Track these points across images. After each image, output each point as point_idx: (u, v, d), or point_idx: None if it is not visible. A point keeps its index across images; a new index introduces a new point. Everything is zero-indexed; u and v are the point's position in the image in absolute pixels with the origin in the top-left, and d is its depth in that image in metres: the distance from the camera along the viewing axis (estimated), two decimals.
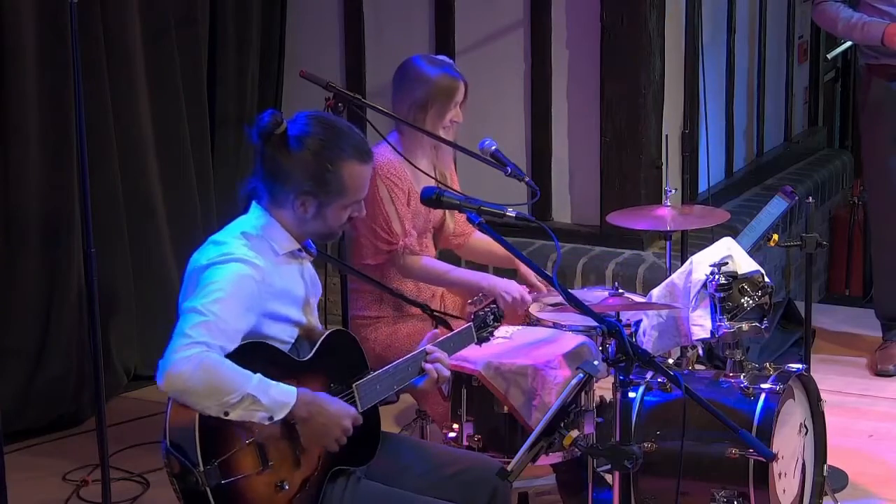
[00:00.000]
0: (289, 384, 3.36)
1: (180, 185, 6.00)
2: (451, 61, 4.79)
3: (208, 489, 3.23)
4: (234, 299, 3.33)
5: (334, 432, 3.39)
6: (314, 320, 3.64)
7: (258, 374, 3.28)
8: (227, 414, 3.23)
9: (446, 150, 4.82)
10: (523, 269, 4.84)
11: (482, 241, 4.93)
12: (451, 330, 3.86)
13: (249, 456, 3.30)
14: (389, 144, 4.62)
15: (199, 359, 3.21)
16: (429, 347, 3.70)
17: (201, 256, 3.44)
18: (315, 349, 3.51)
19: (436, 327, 3.88)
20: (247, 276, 3.38)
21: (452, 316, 3.97)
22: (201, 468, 3.22)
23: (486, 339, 3.93)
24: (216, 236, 3.50)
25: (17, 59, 5.27)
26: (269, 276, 3.44)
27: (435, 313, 3.91)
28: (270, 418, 3.29)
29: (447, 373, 3.70)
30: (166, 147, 5.92)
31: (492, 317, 3.92)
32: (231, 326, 3.31)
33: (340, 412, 3.41)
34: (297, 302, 3.56)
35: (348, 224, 3.60)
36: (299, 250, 3.58)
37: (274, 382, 3.31)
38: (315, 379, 3.46)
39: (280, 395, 3.31)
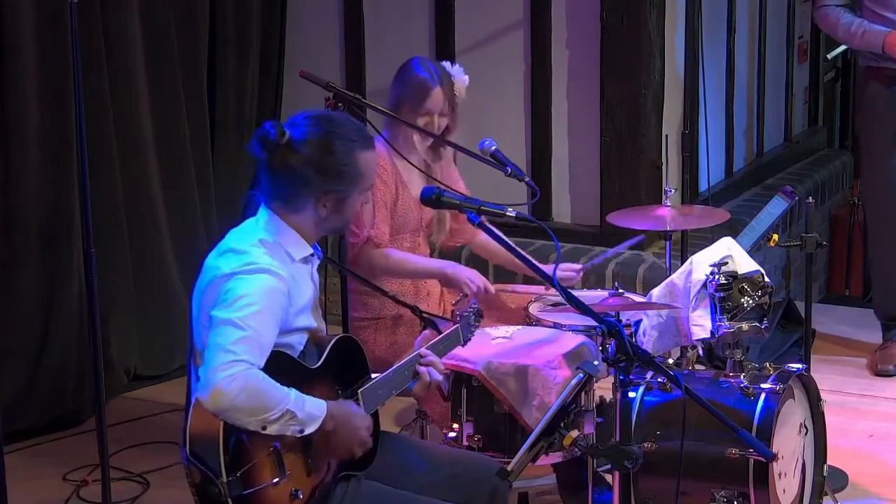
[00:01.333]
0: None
1: (180, 185, 6.00)
2: (444, 69, 4.75)
3: (230, 500, 3.23)
4: (267, 312, 3.33)
5: (353, 444, 3.41)
6: (321, 322, 3.64)
7: (294, 390, 3.29)
8: (265, 428, 3.25)
9: (447, 156, 4.83)
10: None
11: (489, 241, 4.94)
12: (440, 331, 3.87)
13: (269, 466, 3.30)
14: (385, 140, 4.62)
15: (245, 378, 3.21)
16: (422, 351, 3.70)
17: (222, 264, 3.41)
18: (324, 356, 3.51)
19: (424, 328, 3.87)
20: (276, 289, 3.38)
21: (440, 318, 3.96)
22: (224, 479, 3.22)
23: (468, 340, 3.94)
24: (233, 243, 3.46)
25: (17, 59, 5.27)
26: (292, 289, 3.44)
27: (423, 314, 3.90)
28: (301, 431, 3.31)
29: (439, 376, 3.70)
30: (166, 147, 5.92)
31: (474, 316, 3.95)
32: (266, 340, 3.32)
33: (361, 424, 3.43)
34: (310, 308, 3.57)
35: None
36: (311, 255, 3.57)
37: (307, 397, 3.32)
38: (324, 386, 3.47)
39: (313, 409, 3.32)
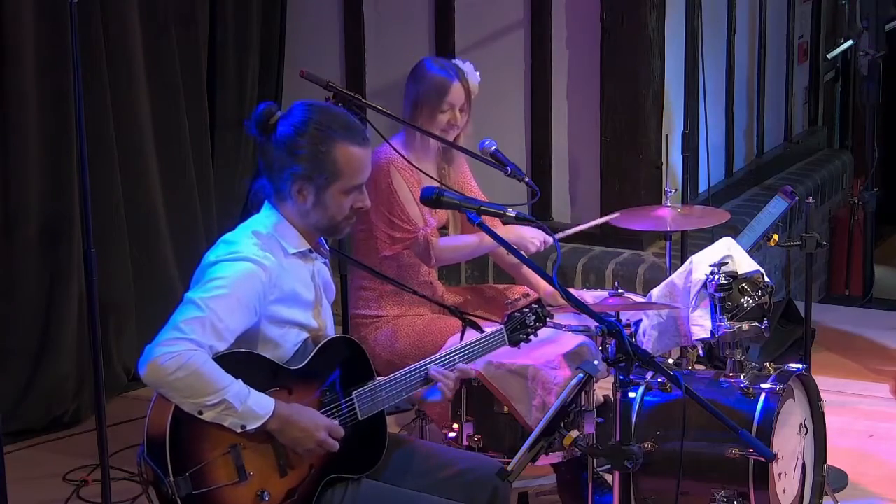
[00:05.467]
0: (279, 394, 3.36)
1: (180, 185, 6.00)
2: (458, 65, 4.77)
3: (178, 499, 3.23)
4: (234, 298, 3.33)
5: (308, 443, 3.37)
6: (325, 323, 3.62)
7: (239, 381, 3.28)
8: (200, 413, 3.24)
9: (459, 158, 4.83)
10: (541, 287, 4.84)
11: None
12: (482, 331, 3.76)
13: (224, 467, 3.29)
14: (391, 146, 4.62)
15: (185, 357, 3.21)
16: (434, 371, 3.61)
17: (211, 254, 3.44)
18: (310, 357, 3.48)
19: (465, 330, 3.77)
20: (253, 275, 3.37)
21: (486, 318, 3.89)
22: (171, 478, 3.23)
23: (525, 341, 3.79)
24: (228, 235, 3.49)
25: (17, 59, 5.27)
26: (276, 278, 3.42)
27: (465, 316, 3.79)
28: (243, 427, 3.29)
29: (439, 396, 3.62)
30: (166, 147, 5.93)
31: (533, 317, 3.79)
32: (225, 325, 3.30)
33: (312, 424, 3.37)
34: (306, 304, 3.54)
35: (354, 217, 3.56)
36: (310, 250, 3.56)
37: (255, 392, 3.30)
38: (308, 387, 3.44)
39: (255, 406, 3.30)
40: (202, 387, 3.23)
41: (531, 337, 3.81)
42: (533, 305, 3.82)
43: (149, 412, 3.30)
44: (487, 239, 4.39)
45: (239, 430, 3.28)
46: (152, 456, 3.26)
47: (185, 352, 3.22)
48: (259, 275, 3.38)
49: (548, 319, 3.83)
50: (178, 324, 3.27)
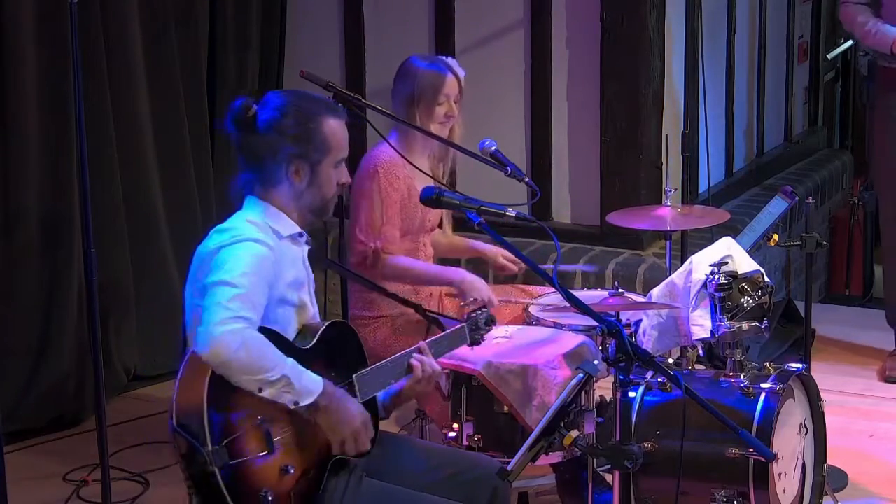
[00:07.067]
0: None
1: (180, 184, 6.00)
2: (446, 59, 4.79)
3: (216, 469, 3.23)
4: (256, 275, 3.36)
5: (345, 430, 3.41)
6: (314, 307, 3.67)
7: (291, 359, 3.31)
8: (261, 391, 3.26)
9: (448, 158, 4.83)
10: (490, 252, 4.88)
11: (442, 235, 4.96)
12: (444, 329, 3.86)
13: (256, 439, 3.31)
14: (390, 145, 4.61)
15: (246, 335, 3.24)
16: (422, 345, 3.70)
17: (209, 243, 3.46)
18: (316, 338, 3.52)
19: (429, 327, 3.86)
20: (263, 255, 3.41)
21: (447, 317, 3.96)
22: (209, 448, 3.23)
23: (478, 342, 3.92)
24: (221, 226, 3.52)
25: (17, 59, 5.27)
26: (277, 261, 3.47)
27: (428, 313, 3.90)
28: (296, 402, 3.31)
29: (436, 368, 3.69)
30: (166, 147, 5.93)
31: (483, 319, 3.92)
32: (258, 300, 3.34)
33: (357, 413, 3.43)
34: (301, 286, 3.59)
35: (338, 194, 3.63)
36: (300, 234, 3.60)
37: (304, 369, 3.34)
38: (317, 368, 3.46)
39: (309, 383, 3.34)
40: (264, 363, 3.25)
41: (482, 340, 3.93)
42: (484, 309, 3.97)
43: (176, 387, 3.29)
44: (430, 272, 4.64)
45: (292, 406, 3.31)
46: (185, 428, 3.25)
47: (243, 329, 3.24)
48: (268, 255, 3.43)
49: (492, 325, 3.96)
50: (225, 303, 3.27)
